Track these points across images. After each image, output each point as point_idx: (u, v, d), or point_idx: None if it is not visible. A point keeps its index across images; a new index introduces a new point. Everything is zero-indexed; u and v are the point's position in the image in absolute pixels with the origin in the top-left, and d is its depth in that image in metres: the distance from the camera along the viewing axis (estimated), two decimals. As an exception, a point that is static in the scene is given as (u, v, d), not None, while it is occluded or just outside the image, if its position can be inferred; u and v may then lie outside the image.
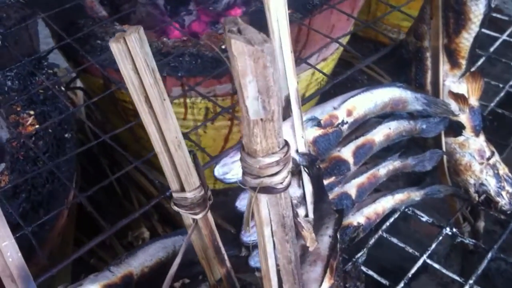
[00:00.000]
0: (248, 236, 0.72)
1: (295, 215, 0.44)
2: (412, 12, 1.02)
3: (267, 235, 0.42)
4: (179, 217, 1.24)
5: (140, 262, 0.63)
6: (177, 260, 0.52)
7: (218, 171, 0.69)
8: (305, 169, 0.71)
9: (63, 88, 0.86)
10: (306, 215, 0.74)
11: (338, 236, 0.65)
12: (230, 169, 0.68)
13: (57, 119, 0.78)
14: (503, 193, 0.88)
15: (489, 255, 0.83)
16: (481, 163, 0.88)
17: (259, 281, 0.61)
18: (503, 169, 0.89)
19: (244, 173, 0.40)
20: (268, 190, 0.40)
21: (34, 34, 0.96)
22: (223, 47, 0.97)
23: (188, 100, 1.02)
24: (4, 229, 0.50)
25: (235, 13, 1.17)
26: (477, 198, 0.89)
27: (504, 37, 1.17)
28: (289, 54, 0.56)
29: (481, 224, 1.02)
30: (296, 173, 0.71)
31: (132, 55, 0.41)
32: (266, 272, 0.45)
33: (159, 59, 0.95)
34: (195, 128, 0.94)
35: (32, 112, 0.79)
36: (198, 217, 0.51)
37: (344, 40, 1.21)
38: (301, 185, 0.72)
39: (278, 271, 0.46)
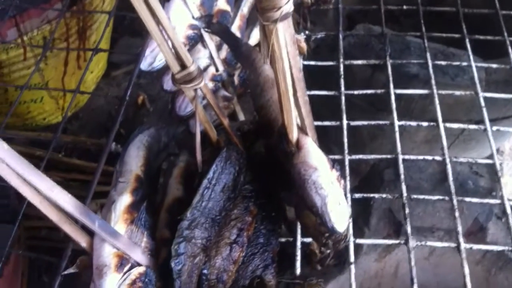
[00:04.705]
0: (183, 110, 0.82)
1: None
2: None
3: (284, 56, 0.54)
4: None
5: (135, 164, 0.69)
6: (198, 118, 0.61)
7: (144, 65, 0.76)
8: (206, 29, 0.80)
9: None
10: (217, 70, 0.85)
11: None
12: (154, 58, 0.75)
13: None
14: None
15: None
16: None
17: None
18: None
19: (263, 12, 0.50)
20: (285, 16, 0.50)
21: None
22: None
23: (25, 38, 0.99)
24: (47, 181, 0.53)
25: None
26: None
27: None
28: None
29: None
30: (199, 37, 0.81)
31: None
32: (284, 88, 0.56)
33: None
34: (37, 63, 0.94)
35: None
36: (201, 85, 0.59)
37: None
38: (206, 45, 0.82)
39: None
